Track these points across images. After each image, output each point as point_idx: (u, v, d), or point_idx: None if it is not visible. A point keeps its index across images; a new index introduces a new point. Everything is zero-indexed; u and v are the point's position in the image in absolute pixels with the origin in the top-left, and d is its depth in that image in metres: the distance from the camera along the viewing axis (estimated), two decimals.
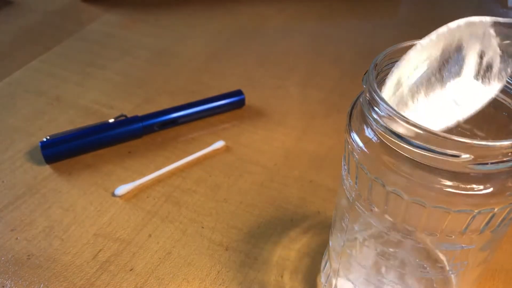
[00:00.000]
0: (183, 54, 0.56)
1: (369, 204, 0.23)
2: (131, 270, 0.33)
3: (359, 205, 0.24)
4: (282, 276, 0.32)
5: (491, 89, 0.22)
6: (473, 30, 0.21)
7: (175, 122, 0.44)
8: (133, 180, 0.39)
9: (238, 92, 0.46)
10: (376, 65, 0.22)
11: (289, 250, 0.34)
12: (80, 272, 0.32)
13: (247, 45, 0.58)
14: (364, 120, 0.22)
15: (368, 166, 0.22)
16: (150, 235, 0.35)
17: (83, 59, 0.55)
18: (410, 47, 0.23)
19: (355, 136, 0.22)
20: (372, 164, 0.22)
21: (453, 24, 0.21)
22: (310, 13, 0.64)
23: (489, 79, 0.22)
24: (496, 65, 0.22)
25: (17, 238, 0.35)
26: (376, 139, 0.21)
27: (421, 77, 0.22)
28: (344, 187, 0.25)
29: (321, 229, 0.35)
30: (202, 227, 0.35)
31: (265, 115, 0.46)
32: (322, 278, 0.31)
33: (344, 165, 0.25)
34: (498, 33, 0.21)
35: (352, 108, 0.24)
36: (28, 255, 0.34)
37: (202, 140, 0.43)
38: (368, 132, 0.22)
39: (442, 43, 0.22)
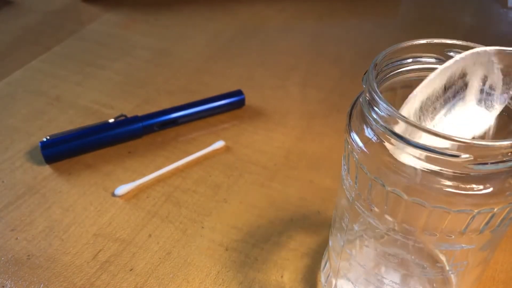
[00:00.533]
0: (183, 54, 0.56)
1: (369, 204, 0.23)
2: (131, 270, 0.33)
3: (359, 205, 0.24)
4: (282, 276, 0.32)
5: (494, 113, 0.23)
6: (477, 59, 0.22)
7: (175, 122, 0.44)
8: (133, 180, 0.39)
9: (238, 92, 0.46)
10: (376, 65, 0.22)
11: (289, 250, 0.34)
12: (80, 272, 0.32)
13: (247, 45, 0.58)
14: (364, 120, 0.22)
15: (368, 166, 0.22)
16: (150, 235, 0.35)
17: (83, 59, 0.55)
18: (410, 47, 0.23)
19: (355, 136, 0.22)
20: (372, 164, 0.22)
21: (458, 56, 0.22)
22: (310, 13, 0.64)
23: (491, 102, 0.22)
24: (498, 88, 0.22)
25: (17, 238, 0.35)
26: (376, 139, 0.21)
27: (426, 107, 0.23)
28: (344, 187, 0.25)
29: (321, 229, 0.35)
30: (202, 227, 0.35)
31: (265, 115, 0.46)
32: (322, 278, 0.31)
33: (344, 165, 0.25)
34: (501, 60, 0.22)
35: (352, 108, 0.24)
36: (28, 255, 0.34)
37: (202, 140, 0.43)
38: (368, 132, 0.22)
39: (448, 72, 0.22)
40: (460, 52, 0.23)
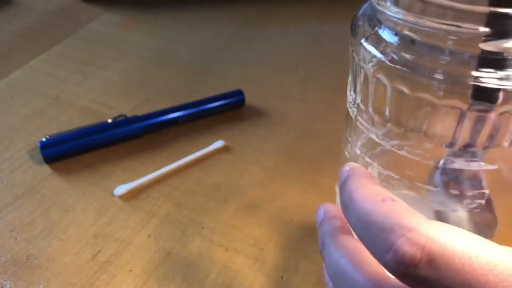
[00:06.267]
0: (183, 54, 0.56)
1: (372, 113, 0.22)
2: (130, 270, 0.32)
3: (361, 120, 0.23)
4: (282, 277, 0.32)
5: None
6: None
7: (175, 122, 0.44)
8: (133, 180, 0.39)
9: (238, 92, 0.46)
10: None
11: (289, 250, 0.34)
12: (79, 273, 0.32)
13: (247, 45, 0.57)
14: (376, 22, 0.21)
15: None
16: (149, 236, 0.35)
17: (83, 59, 0.55)
18: None
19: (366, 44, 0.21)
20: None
21: None
22: (310, 13, 0.64)
23: None
24: None
25: (16, 239, 0.35)
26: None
27: None
28: (348, 105, 0.24)
29: None
30: (202, 227, 0.35)
31: (265, 115, 0.46)
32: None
33: (352, 82, 0.24)
34: None
35: (355, 19, 0.23)
36: (28, 256, 0.33)
37: (202, 140, 0.43)
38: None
39: None
40: None
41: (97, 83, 0.51)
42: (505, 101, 0.18)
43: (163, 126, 0.44)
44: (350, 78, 0.24)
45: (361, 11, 0.22)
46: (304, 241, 0.34)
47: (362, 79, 0.22)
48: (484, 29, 0.17)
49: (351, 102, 0.24)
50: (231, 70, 0.53)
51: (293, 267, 0.33)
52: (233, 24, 0.62)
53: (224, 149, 0.42)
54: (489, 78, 0.18)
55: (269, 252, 0.34)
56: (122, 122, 0.43)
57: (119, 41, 0.58)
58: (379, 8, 0.20)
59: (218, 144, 0.42)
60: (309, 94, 0.49)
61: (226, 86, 0.48)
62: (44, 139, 0.41)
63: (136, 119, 0.43)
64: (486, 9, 0.16)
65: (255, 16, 0.63)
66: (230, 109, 0.46)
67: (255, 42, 0.58)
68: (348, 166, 0.21)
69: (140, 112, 0.45)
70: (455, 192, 0.23)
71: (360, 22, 0.22)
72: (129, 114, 0.45)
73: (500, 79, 0.17)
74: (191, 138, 0.44)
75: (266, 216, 0.36)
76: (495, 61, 0.18)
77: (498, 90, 0.18)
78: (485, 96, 0.18)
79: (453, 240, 0.16)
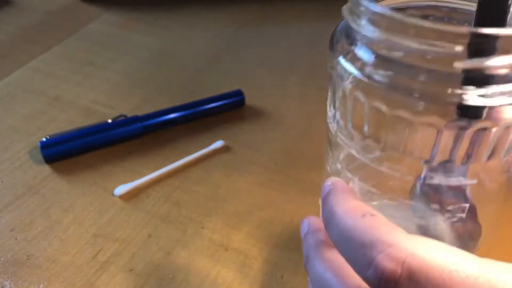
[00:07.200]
0: (183, 54, 0.56)
1: (351, 129, 0.22)
2: (131, 270, 0.33)
3: (341, 136, 0.23)
4: (282, 277, 0.32)
5: None
6: None
7: (175, 122, 0.44)
8: (133, 180, 0.39)
9: (238, 92, 0.46)
10: None
11: (289, 250, 0.34)
12: (80, 273, 0.32)
13: (247, 45, 0.58)
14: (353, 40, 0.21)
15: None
16: (150, 235, 0.35)
17: (83, 59, 0.55)
18: None
19: (343, 61, 0.21)
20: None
21: None
22: (310, 13, 0.64)
23: None
24: None
25: (16, 238, 0.35)
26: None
27: None
28: (328, 120, 0.24)
29: None
30: (202, 227, 0.35)
31: (265, 115, 0.46)
32: None
33: (331, 98, 0.23)
34: None
35: (333, 37, 0.22)
36: (28, 255, 0.33)
37: (202, 140, 0.43)
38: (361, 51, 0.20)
39: None
40: None
41: (97, 83, 0.51)
42: (486, 117, 0.18)
43: (163, 126, 0.44)
44: (329, 94, 0.24)
45: (339, 27, 0.22)
46: None
47: (340, 95, 0.22)
48: (459, 48, 0.17)
49: (331, 118, 0.24)
50: (231, 70, 0.53)
51: (293, 267, 0.33)
52: (233, 24, 0.62)
53: (224, 149, 0.42)
54: (471, 95, 0.18)
55: (269, 252, 0.34)
56: (122, 122, 0.43)
57: (119, 41, 0.58)
58: (355, 27, 0.20)
59: (218, 144, 0.42)
60: (309, 94, 0.49)
61: (226, 86, 0.48)
62: (44, 139, 0.41)
63: (136, 119, 0.43)
64: (461, 29, 0.17)
65: (255, 16, 0.63)
66: (230, 109, 0.46)
67: (255, 42, 0.58)
68: (330, 181, 0.21)
69: (140, 112, 0.45)
70: (436, 206, 0.23)
71: (338, 39, 0.22)
72: (129, 114, 0.45)
73: (482, 96, 0.18)
74: (191, 138, 0.44)
75: (266, 216, 0.36)
76: (478, 79, 0.18)
77: (483, 107, 0.18)
78: (471, 113, 0.18)
79: (432, 254, 0.16)
